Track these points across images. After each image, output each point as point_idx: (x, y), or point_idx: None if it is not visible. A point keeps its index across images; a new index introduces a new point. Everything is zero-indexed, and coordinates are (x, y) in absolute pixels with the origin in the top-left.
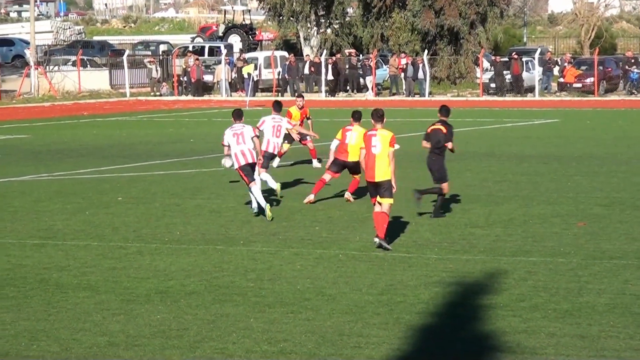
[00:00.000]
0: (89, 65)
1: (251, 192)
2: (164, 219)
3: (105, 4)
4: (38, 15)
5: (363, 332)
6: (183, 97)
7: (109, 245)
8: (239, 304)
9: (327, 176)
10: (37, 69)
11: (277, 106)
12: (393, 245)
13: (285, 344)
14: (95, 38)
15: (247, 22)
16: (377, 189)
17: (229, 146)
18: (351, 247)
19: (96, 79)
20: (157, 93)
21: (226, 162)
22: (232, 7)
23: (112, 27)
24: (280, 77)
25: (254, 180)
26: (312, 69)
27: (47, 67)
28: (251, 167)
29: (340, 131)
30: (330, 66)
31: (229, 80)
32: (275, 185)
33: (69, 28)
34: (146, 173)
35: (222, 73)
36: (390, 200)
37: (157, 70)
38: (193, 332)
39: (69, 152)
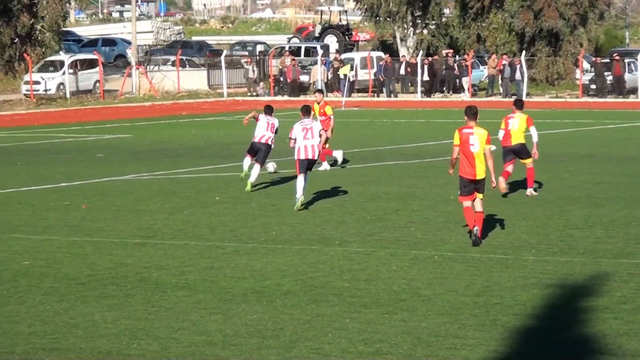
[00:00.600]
0: (187, 66)
1: (298, 182)
2: (260, 218)
3: (204, 5)
4: (139, 15)
5: (459, 334)
6: (279, 98)
7: (207, 244)
8: (334, 304)
9: (509, 167)
10: (138, 68)
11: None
12: (489, 247)
13: (381, 344)
14: (194, 38)
15: (344, 22)
16: (475, 186)
17: (295, 139)
18: (447, 248)
19: (194, 79)
20: (254, 93)
21: (269, 167)
22: (329, 8)
23: (210, 27)
24: (376, 77)
25: (305, 173)
26: (408, 69)
27: (148, 67)
28: (310, 162)
29: (503, 120)
30: (426, 67)
31: (325, 81)
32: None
33: (169, 28)
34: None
35: (318, 73)
36: (482, 195)
37: (253, 71)
38: (289, 332)
39: (168, 152)
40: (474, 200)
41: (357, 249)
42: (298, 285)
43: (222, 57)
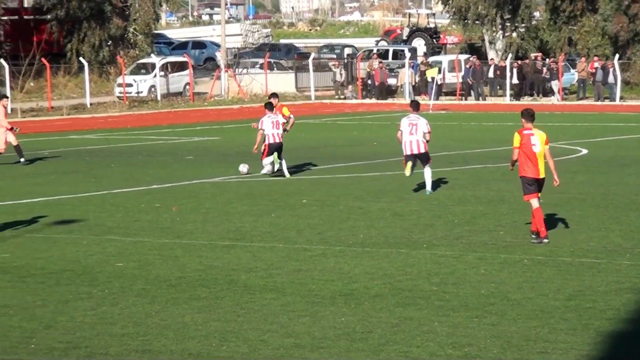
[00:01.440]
0: (275, 68)
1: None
2: (348, 221)
3: (292, 7)
4: (228, 18)
5: (550, 338)
6: (367, 100)
7: (294, 247)
8: (422, 308)
9: None
10: (227, 71)
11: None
12: (581, 251)
13: (470, 348)
14: (282, 41)
15: (432, 25)
16: (538, 185)
17: (402, 132)
18: (536, 252)
19: (282, 82)
20: (342, 96)
21: (242, 169)
22: (417, 11)
23: (298, 30)
24: (464, 80)
25: (414, 164)
26: (497, 72)
27: (236, 69)
28: (414, 156)
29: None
30: (515, 70)
31: (413, 84)
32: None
33: (257, 31)
34: (330, 176)
35: (406, 76)
36: (539, 194)
37: (341, 74)
38: (377, 335)
39: (255, 155)
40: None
41: (445, 252)
42: (386, 288)
43: (310, 60)
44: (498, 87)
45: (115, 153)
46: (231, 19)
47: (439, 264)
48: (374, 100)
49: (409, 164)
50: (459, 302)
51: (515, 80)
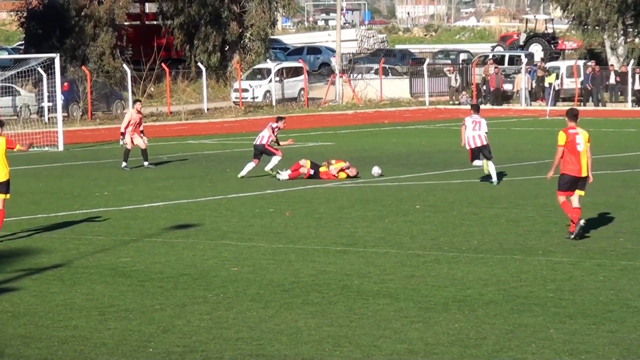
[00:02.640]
0: (390, 74)
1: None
2: (462, 227)
3: (408, 13)
4: (344, 24)
5: None
6: (482, 106)
7: (407, 253)
8: (537, 314)
9: None
10: (342, 77)
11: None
12: None
13: (588, 355)
14: (397, 46)
15: (550, 31)
16: (578, 183)
17: (465, 127)
18: None
19: (397, 88)
20: (456, 102)
21: (377, 170)
22: (535, 16)
23: (413, 35)
24: (582, 86)
25: (479, 159)
26: (618, 78)
27: (351, 75)
28: (479, 149)
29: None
30: (637, 76)
31: (529, 89)
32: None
33: (373, 36)
34: (444, 181)
35: (522, 82)
36: (583, 192)
37: (456, 79)
38: (491, 342)
39: (369, 160)
40: (570, 196)
41: (561, 258)
42: (500, 294)
43: (425, 66)
44: (619, 93)
45: (231, 158)
46: (346, 25)
47: (555, 271)
48: (488, 106)
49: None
50: (576, 309)
51: (637, 87)
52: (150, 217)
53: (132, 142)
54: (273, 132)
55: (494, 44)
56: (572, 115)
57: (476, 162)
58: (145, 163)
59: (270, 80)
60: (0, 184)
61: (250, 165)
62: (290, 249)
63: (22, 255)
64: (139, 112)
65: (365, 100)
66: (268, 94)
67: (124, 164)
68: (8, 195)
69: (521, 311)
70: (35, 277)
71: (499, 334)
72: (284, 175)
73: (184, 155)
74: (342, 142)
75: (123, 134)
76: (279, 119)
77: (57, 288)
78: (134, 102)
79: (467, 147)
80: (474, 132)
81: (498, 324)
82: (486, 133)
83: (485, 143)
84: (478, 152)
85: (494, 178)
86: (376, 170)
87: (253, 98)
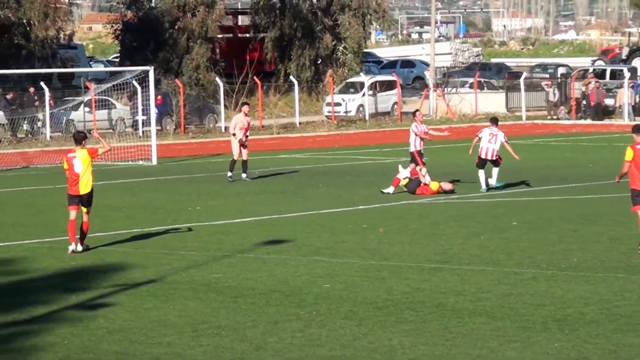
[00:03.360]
0: (485, 88)
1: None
2: (560, 245)
3: (504, 26)
4: (438, 37)
5: None
6: (581, 121)
7: (504, 270)
8: None
9: None
10: (436, 90)
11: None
12: None
13: None
14: (493, 60)
15: None
16: None
17: (480, 139)
18: None
19: (492, 102)
20: (554, 117)
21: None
22: (638, 29)
23: (509, 49)
24: None
25: (483, 168)
26: None
27: (445, 89)
28: (486, 161)
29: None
30: None
31: (633, 104)
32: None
33: (468, 50)
34: (541, 198)
35: (625, 97)
36: None
37: (554, 94)
38: None
39: (463, 175)
40: None
41: None
42: (602, 314)
43: (522, 80)
44: None
45: (323, 173)
46: (441, 38)
47: None
48: (589, 121)
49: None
50: None
51: None
52: (242, 232)
53: (240, 151)
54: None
55: (595, 58)
56: (637, 130)
57: (480, 174)
58: (244, 175)
59: (364, 94)
60: (81, 196)
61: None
62: (383, 265)
63: (117, 270)
64: (246, 115)
65: (460, 115)
66: (361, 108)
67: (229, 174)
68: (89, 208)
69: (625, 331)
70: (130, 292)
71: (602, 354)
72: (390, 189)
73: (275, 169)
74: (437, 158)
75: (235, 135)
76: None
77: (151, 304)
78: (242, 104)
79: (480, 155)
80: (489, 144)
81: (601, 344)
82: (505, 141)
83: (494, 158)
84: (485, 163)
85: (493, 181)
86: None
87: (346, 112)
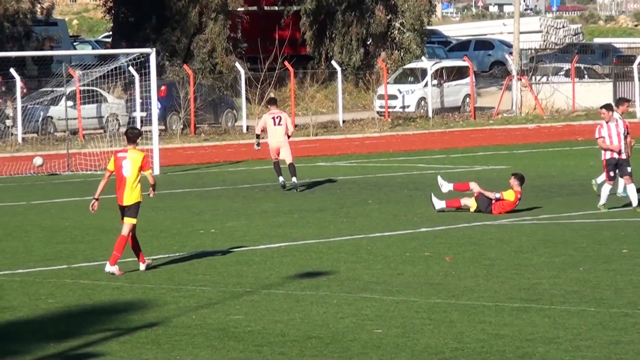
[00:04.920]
0: (586, 76)
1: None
2: None
3: None
4: (524, 10)
5: None
6: None
7: (610, 312)
8: None
9: None
10: (521, 79)
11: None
12: None
13: None
14: (596, 40)
15: None
16: None
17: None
18: None
19: (595, 94)
20: None
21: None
22: None
23: (619, 26)
24: None
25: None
26: None
27: (533, 77)
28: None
29: None
30: None
31: None
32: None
33: (563, 27)
34: None
35: None
36: None
37: None
38: None
39: (557, 189)
40: None
41: None
42: None
43: (635, 66)
44: None
45: (373, 185)
46: (528, 11)
47: None
48: None
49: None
50: None
51: None
52: (269, 262)
53: (278, 153)
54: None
55: None
56: None
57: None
58: (294, 179)
59: (426, 84)
60: (124, 207)
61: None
62: (451, 305)
63: (108, 311)
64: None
65: (552, 111)
66: (422, 102)
67: (280, 178)
68: (132, 221)
69: None
70: (124, 339)
71: None
72: (448, 186)
73: (312, 181)
74: (520, 165)
75: (259, 136)
76: None
77: (152, 354)
78: (269, 101)
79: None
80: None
81: None
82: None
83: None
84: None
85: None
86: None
87: (403, 107)
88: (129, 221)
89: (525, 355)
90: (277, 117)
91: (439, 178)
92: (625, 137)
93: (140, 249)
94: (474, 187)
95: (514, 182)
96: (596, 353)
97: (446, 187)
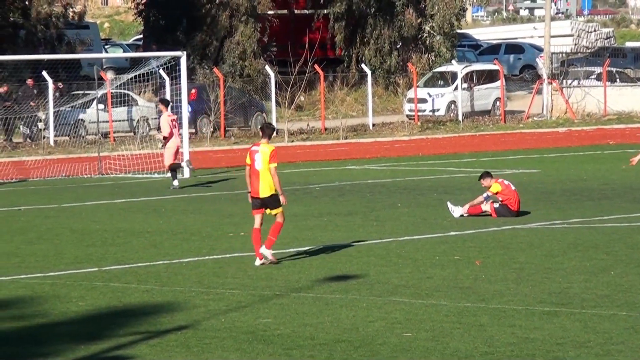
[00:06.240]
0: (618, 80)
1: None
2: None
3: None
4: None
5: None
6: None
7: None
8: None
9: None
10: (552, 83)
11: None
12: None
13: None
14: (628, 44)
15: None
16: None
17: None
18: None
19: (627, 98)
20: None
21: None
22: None
23: None
24: None
25: None
26: None
27: (564, 81)
28: None
29: None
30: None
31: None
32: None
33: (595, 31)
34: None
35: None
36: None
37: None
38: None
39: (588, 193)
40: None
41: None
42: None
43: None
44: None
45: (403, 189)
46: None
47: None
48: None
49: None
50: None
51: None
52: (299, 265)
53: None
54: None
55: None
56: None
57: None
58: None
59: (456, 88)
60: (262, 199)
61: None
62: (481, 309)
63: (138, 314)
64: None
65: (583, 115)
66: (452, 106)
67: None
68: (278, 211)
69: None
70: (154, 342)
71: None
72: (459, 210)
73: (341, 184)
74: (551, 169)
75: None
76: None
77: (181, 357)
78: (161, 100)
79: None
80: None
81: None
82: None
83: None
84: None
85: None
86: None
87: (433, 111)
88: (277, 211)
89: (557, 359)
90: (174, 120)
91: (449, 204)
92: None
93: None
94: (486, 207)
95: (485, 182)
96: (627, 357)
97: (457, 212)
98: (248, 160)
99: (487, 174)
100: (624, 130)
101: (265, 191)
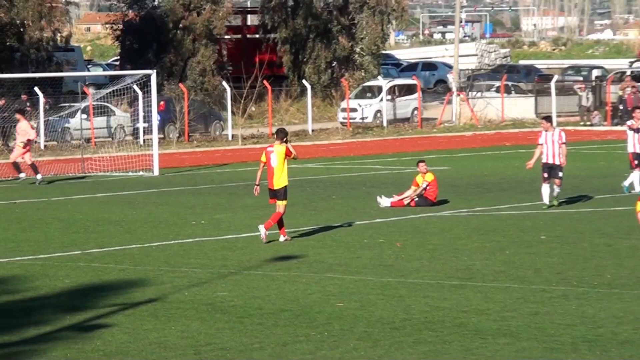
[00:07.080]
0: (513, 92)
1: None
2: (593, 260)
3: (534, 25)
4: (463, 37)
5: None
6: (617, 128)
7: (531, 288)
8: None
9: None
10: (460, 95)
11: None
12: None
13: None
14: (521, 62)
15: None
16: None
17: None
18: None
19: (520, 107)
20: (588, 123)
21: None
22: None
23: (540, 50)
24: None
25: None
26: None
27: (470, 93)
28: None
29: None
30: None
31: None
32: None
33: (495, 51)
34: (573, 210)
35: None
36: None
37: (587, 98)
38: None
39: (489, 186)
40: None
41: None
42: (637, 334)
43: (552, 83)
44: None
45: (337, 183)
46: (466, 38)
47: None
48: (625, 128)
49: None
50: None
51: None
52: (250, 247)
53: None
54: None
55: (633, 59)
56: None
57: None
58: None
59: (382, 99)
60: (275, 190)
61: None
62: (401, 283)
63: (114, 289)
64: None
65: (485, 121)
66: (379, 114)
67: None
68: (284, 202)
69: None
70: (128, 312)
71: None
72: (386, 201)
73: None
74: (459, 167)
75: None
76: None
77: (151, 325)
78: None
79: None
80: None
81: None
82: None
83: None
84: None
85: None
86: (382, 201)
87: (362, 118)
88: (281, 203)
89: (461, 325)
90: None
91: (377, 197)
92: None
93: (283, 224)
94: (407, 200)
95: (420, 167)
96: (519, 322)
97: (384, 203)
98: (263, 159)
99: (422, 161)
100: (517, 134)
101: (277, 184)
